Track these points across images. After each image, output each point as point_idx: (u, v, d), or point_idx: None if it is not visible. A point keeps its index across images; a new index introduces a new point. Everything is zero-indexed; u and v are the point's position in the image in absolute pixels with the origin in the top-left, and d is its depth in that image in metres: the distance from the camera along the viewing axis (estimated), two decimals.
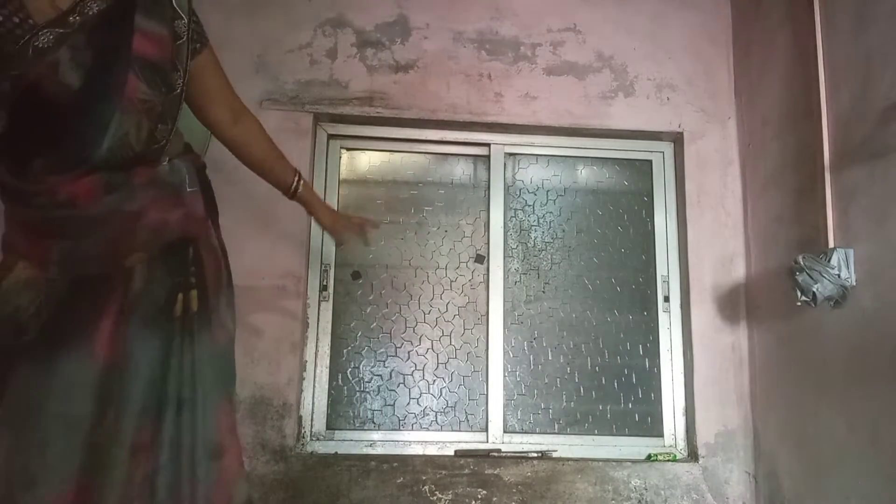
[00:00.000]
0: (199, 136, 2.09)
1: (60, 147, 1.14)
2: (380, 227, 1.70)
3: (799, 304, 1.71)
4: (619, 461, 2.16)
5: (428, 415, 2.25)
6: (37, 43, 1.10)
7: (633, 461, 2.17)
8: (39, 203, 1.15)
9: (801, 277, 1.67)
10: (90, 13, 1.14)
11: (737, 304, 2.28)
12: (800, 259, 1.68)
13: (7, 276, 1.18)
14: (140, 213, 1.22)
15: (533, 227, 2.41)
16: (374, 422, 2.23)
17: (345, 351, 2.26)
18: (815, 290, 1.64)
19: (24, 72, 1.09)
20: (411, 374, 2.27)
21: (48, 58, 1.11)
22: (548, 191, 2.44)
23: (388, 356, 2.27)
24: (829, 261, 1.65)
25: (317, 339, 2.23)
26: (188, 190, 1.31)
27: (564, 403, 2.30)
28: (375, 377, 2.26)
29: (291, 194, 1.56)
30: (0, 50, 1.08)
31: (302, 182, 1.56)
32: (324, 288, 2.25)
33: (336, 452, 2.13)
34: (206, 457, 1.24)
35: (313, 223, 2.25)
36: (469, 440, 2.22)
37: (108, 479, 1.14)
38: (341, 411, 2.23)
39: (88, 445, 1.13)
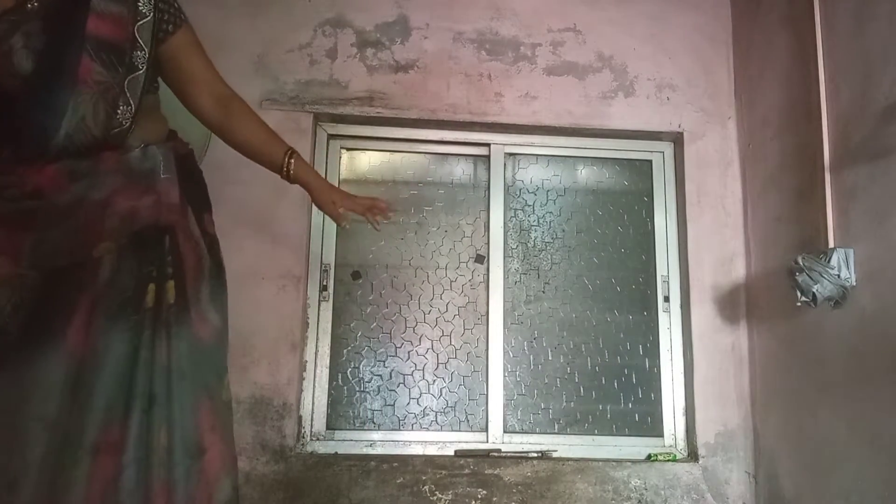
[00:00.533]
0: (198, 136, 2.09)
1: (21, 136, 1.12)
2: (390, 215, 1.59)
3: (799, 304, 1.71)
4: (619, 461, 2.16)
5: (428, 415, 2.25)
6: None
7: (633, 461, 2.17)
8: (9, 195, 1.12)
9: (801, 278, 1.67)
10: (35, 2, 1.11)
11: (737, 304, 2.28)
12: (799, 259, 1.68)
13: None
14: (107, 200, 1.18)
15: (533, 227, 2.41)
16: (374, 422, 2.23)
17: (345, 351, 2.26)
18: (815, 290, 1.64)
19: None
20: (411, 374, 2.27)
21: (2, 47, 1.09)
22: (548, 191, 2.44)
23: (388, 356, 2.27)
24: (828, 261, 1.65)
25: (317, 339, 2.23)
26: (162, 177, 1.25)
27: (564, 403, 2.30)
28: (375, 377, 2.26)
29: (286, 175, 1.43)
30: None
31: (294, 160, 1.43)
32: (324, 288, 2.25)
33: (336, 452, 2.13)
34: (184, 456, 1.18)
35: (313, 224, 2.26)
36: (469, 440, 2.22)
37: (69, 480, 1.09)
38: (341, 411, 2.23)
39: (58, 443, 1.09)
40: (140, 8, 1.21)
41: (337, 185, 2.34)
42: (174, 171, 1.26)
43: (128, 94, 1.19)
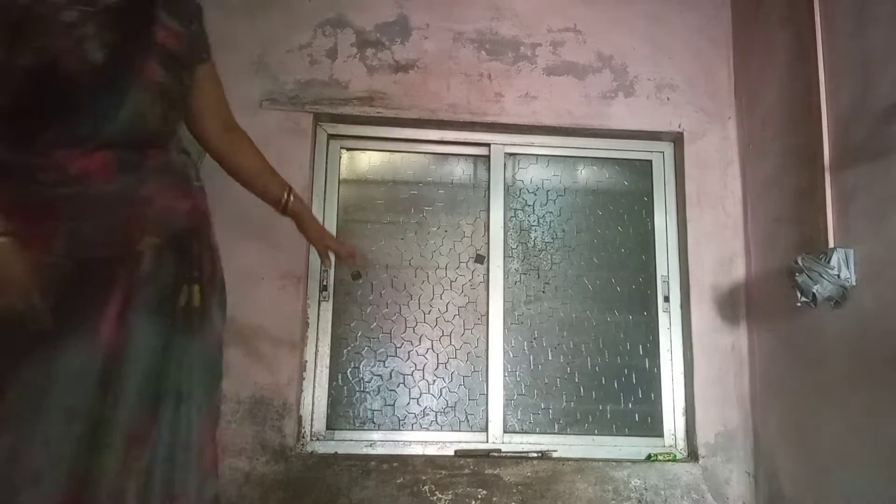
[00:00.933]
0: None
1: (74, 119, 1.14)
2: (367, 269, 1.68)
3: (799, 304, 1.71)
4: (619, 461, 2.16)
5: (428, 415, 2.25)
6: (62, 17, 1.14)
7: (633, 461, 2.17)
8: (47, 178, 1.13)
9: (800, 278, 1.67)
10: (107, 2, 1.18)
11: (737, 304, 2.28)
12: (799, 260, 1.68)
13: None
14: (152, 197, 1.23)
15: (533, 227, 2.41)
16: (374, 422, 2.23)
17: (345, 351, 2.26)
18: (814, 290, 1.64)
19: (47, 44, 1.12)
20: (411, 374, 2.27)
21: (74, 32, 1.14)
22: (548, 191, 2.44)
23: (388, 356, 2.27)
24: (828, 261, 1.65)
25: (317, 339, 2.23)
26: (195, 184, 1.34)
27: (564, 403, 2.30)
28: (375, 377, 2.26)
29: (282, 209, 1.53)
30: (21, 24, 1.11)
31: (293, 197, 1.53)
32: (324, 288, 2.25)
33: (336, 452, 2.13)
34: (188, 451, 1.23)
35: None
36: (469, 440, 2.22)
37: (100, 470, 1.12)
38: (341, 411, 2.23)
39: (88, 435, 1.12)
40: (193, 30, 1.33)
41: (337, 186, 2.35)
42: (201, 180, 1.36)
43: (179, 102, 1.30)
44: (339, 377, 2.24)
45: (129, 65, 1.19)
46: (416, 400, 2.26)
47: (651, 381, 2.33)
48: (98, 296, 1.16)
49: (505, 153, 2.41)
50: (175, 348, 1.22)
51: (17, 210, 1.12)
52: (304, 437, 2.15)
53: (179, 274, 1.26)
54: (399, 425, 2.23)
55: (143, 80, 1.19)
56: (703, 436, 2.21)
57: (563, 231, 2.41)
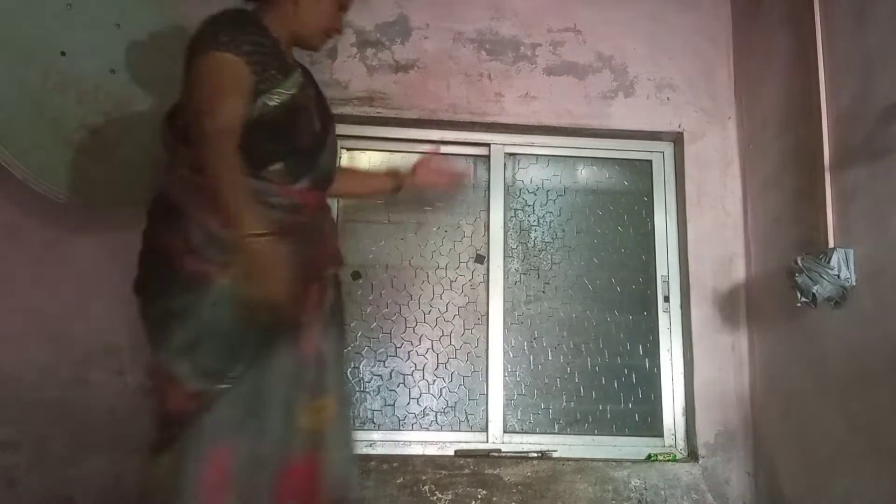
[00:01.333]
0: None
1: (302, 166, 1.46)
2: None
3: (799, 304, 1.71)
4: (619, 461, 2.16)
5: (428, 415, 2.25)
6: (296, 77, 1.48)
7: (633, 461, 2.17)
8: (277, 202, 1.40)
9: (800, 278, 1.67)
10: (300, 72, 1.53)
11: (737, 304, 2.28)
12: (799, 260, 1.68)
13: (228, 273, 1.32)
14: (328, 232, 1.57)
15: (533, 227, 2.41)
16: (374, 422, 2.23)
17: (345, 351, 2.26)
18: (814, 290, 1.64)
19: (294, 94, 1.44)
20: (411, 374, 2.27)
21: (307, 91, 1.51)
22: (548, 191, 2.44)
23: (388, 356, 2.27)
24: (828, 261, 1.65)
25: None
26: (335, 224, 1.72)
27: (564, 403, 2.30)
28: (375, 377, 2.26)
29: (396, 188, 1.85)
30: (269, 74, 1.40)
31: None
32: None
33: None
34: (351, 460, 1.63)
35: None
36: (469, 440, 2.22)
37: (327, 454, 1.44)
38: None
39: (298, 427, 1.39)
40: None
41: None
42: None
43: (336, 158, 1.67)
44: None
45: (327, 129, 1.56)
46: (416, 400, 2.26)
47: (651, 381, 2.33)
48: (300, 308, 1.42)
49: (505, 153, 2.41)
50: (340, 361, 1.59)
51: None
52: None
53: (339, 301, 1.58)
54: (399, 425, 2.23)
55: (332, 139, 1.58)
56: (703, 436, 2.21)
57: (563, 231, 2.41)
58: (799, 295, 1.68)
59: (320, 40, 1.61)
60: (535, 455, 2.17)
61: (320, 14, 1.55)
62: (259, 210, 1.30)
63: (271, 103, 1.40)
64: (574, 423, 2.28)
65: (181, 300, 1.33)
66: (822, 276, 1.64)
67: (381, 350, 2.27)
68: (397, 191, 1.87)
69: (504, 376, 2.27)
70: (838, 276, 1.63)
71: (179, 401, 1.32)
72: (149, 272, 1.42)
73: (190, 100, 1.39)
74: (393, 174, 1.90)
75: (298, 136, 1.46)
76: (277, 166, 1.41)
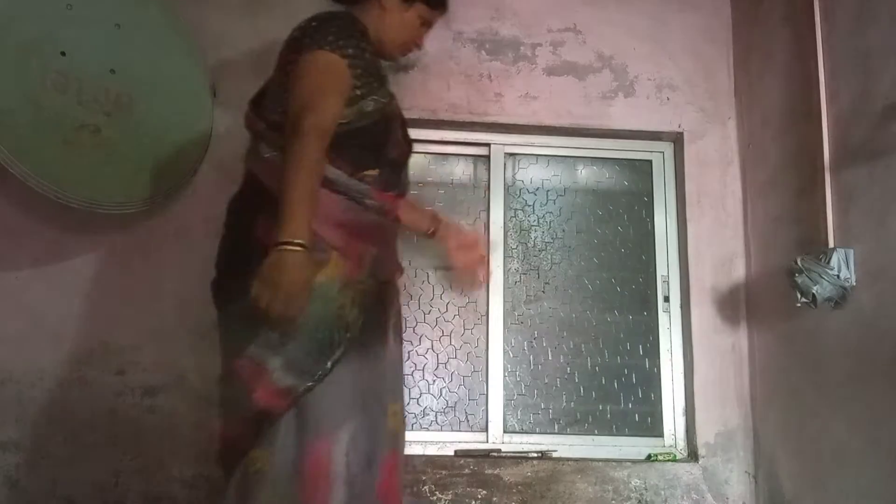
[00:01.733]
0: (199, 136, 2.09)
1: (390, 170, 1.50)
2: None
3: (799, 305, 1.71)
4: (619, 461, 2.16)
5: (428, 415, 2.25)
6: (388, 86, 1.53)
7: (633, 461, 2.17)
8: (371, 205, 1.43)
9: (800, 279, 1.67)
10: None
11: (737, 304, 2.28)
12: (799, 260, 1.68)
13: (323, 272, 1.34)
14: (397, 240, 1.63)
15: (533, 227, 2.41)
16: None
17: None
18: (814, 291, 1.64)
19: (387, 102, 1.49)
20: (411, 374, 2.26)
21: (394, 101, 1.55)
22: (548, 191, 2.44)
23: None
24: (828, 261, 1.65)
25: None
26: None
27: (564, 403, 2.29)
28: None
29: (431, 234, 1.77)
30: (368, 78, 1.44)
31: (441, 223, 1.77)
32: None
33: None
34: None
35: None
36: (469, 440, 2.22)
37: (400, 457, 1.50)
38: None
39: (388, 427, 1.43)
40: None
41: None
42: None
43: None
44: None
45: (411, 144, 1.63)
46: (415, 400, 2.26)
47: (651, 381, 2.33)
48: (385, 314, 1.49)
49: (505, 153, 2.41)
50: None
51: (351, 227, 1.41)
52: None
53: (398, 305, 1.61)
54: None
55: (411, 149, 1.64)
56: (703, 436, 2.21)
57: (563, 231, 2.41)
58: (799, 295, 1.68)
59: (399, 52, 1.65)
60: (535, 455, 2.16)
61: (405, 25, 1.59)
62: (313, 226, 1.27)
63: (368, 109, 1.42)
64: (574, 424, 2.28)
65: None
66: (821, 277, 1.63)
67: None
68: (430, 236, 1.79)
69: (504, 376, 2.27)
70: (838, 277, 1.63)
71: (269, 396, 1.31)
72: (237, 264, 1.39)
73: (287, 92, 1.39)
74: (434, 219, 1.80)
75: (390, 146, 1.50)
76: (373, 172, 1.44)
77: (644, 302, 2.38)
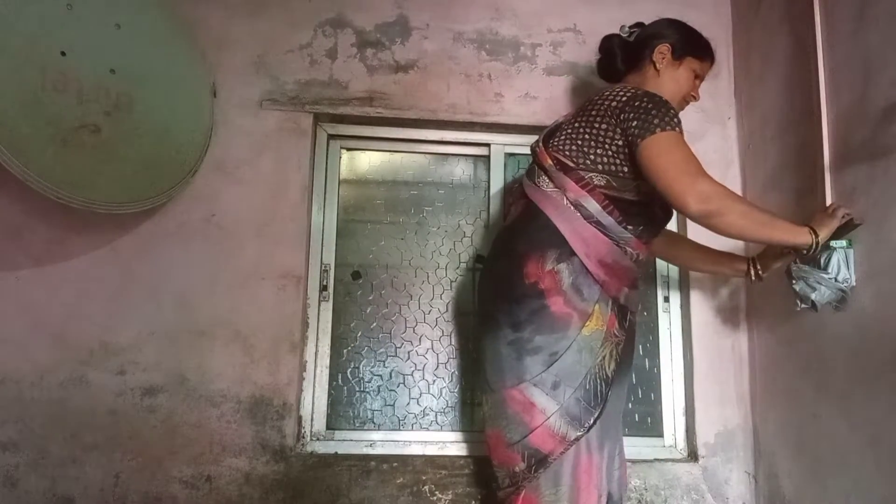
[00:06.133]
0: (198, 135, 2.09)
1: (651, 228, 1.67)
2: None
3: (799, 310, 1.70)
4: None
5: (428, 415, 2.25)
6: None
7: (633, 461, 2.17)
8: (631, 252, 1.61)
9: (798, 286, 1.66)
10: None
11: (737, 304, 2.28)
12: (792, 269, 1.67)
13: (587, 325, 1.51)
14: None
15: None
16: (374, 422, 2.23)
17: (345, 351, 2.26)
18: (813, 297, 1.63)
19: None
20: (411, 374, 2.27)
21: None
22: None
23: (388, 356, 2.27)
24: (826, 265, 1.64)
25: (317, 339, 2.23)
26: None
27: None
28: (375, 377, 2.26)
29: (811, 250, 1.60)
30: None
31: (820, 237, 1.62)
32: (324, 288, 2.25)
33: (336, 452, 2.13)
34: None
35: (313, 224, 2.26)
36: (469, 440, 2.22)
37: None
38: (341, 411, 2.23)
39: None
40: None
41: (337, 186, 2.34)
42: None
43: None
44: (339, 377, 2.25)
45: (669, 209, 1.66)
46: (416, 400, 2.26)
47: (651, 381, 2.33)
48: (632, 341, 1.67)
49: (505, 153, 2.41)
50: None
51: (612, 267, 1.56)
52: (304, 438, 2.15)
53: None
54: (399, 425, 2.23)
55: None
56: (703, 436, 2.21)
57: None
58: (799, 302, 1.68)
59: (679, 107, 1.70)
60: None
61: (679, 82, 1.72)
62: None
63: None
64: None
65: (546, 338, 1.50)
66: (819, 283, 1.63)
67: (381, 350, 2.27)
68: (757, 276, 1.91)
69: None
70: (836, 279, 1.62)
71: (545, 438, 1.51)
72: (506, 293, 1.57)
73: (584, 142, 1.58)
74: (738, 259, 1.97)
75: (656, 215, 1.65)
76: (638, 230, 1.60)
77: (644, 302, 2.38)
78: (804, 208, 1.92)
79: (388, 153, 2.41)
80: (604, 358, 1.53)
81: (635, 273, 1.64)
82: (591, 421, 1.50)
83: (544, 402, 1.49)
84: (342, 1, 2.32)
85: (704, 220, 1.47)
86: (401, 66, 2.31)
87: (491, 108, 2.32)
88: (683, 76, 1.72)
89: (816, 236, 1.54)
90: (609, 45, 1.83)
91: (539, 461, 1.50)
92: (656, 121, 1.46)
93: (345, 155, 2.39)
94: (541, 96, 2.34)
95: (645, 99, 1.51)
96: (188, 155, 2.03)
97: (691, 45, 1.75)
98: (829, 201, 1.78)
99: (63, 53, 1.72)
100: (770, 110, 2.16)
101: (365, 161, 2.41)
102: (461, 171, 2.43)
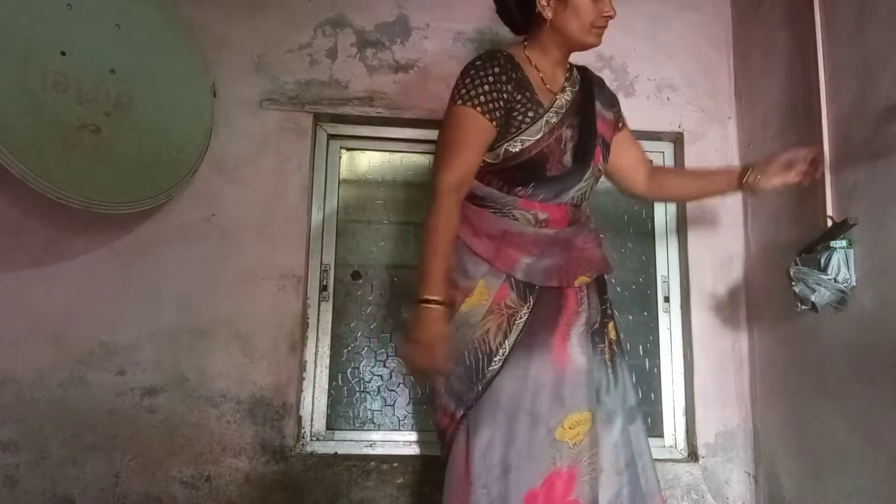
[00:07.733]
0: (198, 135, 2.09)
1: (551, 187, 1.50)
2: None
3: (799, 311, 1.71)
4: None
5: (428, 415, 2.25)
6: (548, 119, 1.49)
7: None
8: (521, 215, 1.49)
9: (797, 288, 1.66)
10: (567, 99, 1.56)
11: (737, 304, 2.28)
12: (792, 271, 1.67)
13: (467, 301, 1.44)
14: (584, 244, 1.54)
15: None
16: (374, 422, 2.23)
17: (345, 351, 2.26)
18: (813, 299, 1.63)
19: (539, 139, 1.47)
20: (411, 375, 2.26)
21: (556, 132, 1.50)
22: None
23: (388, 356, 2.27)
24: (826, 266, 1.63)
25: (317, 339, 2.23)
26: (601, 236, 1.64)
27: None
28: (375, 377, 2.26)
29: (748, 186, 1.67)
30: (516, 119, 1.46)
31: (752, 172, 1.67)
32: (324, 288, 2.25)
33: (336, 453, 2.13)
34: (650, 467, 1.59)
35: (313, 224, 2.26)
36: None
37: (594, 466, 1.43)
38: (341, 411, 2.23)
39: (552, 438, 1.39)
40: (615, 112, 1.70)
41: (337, 186, 2.34)
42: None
43: (600, 178, 1.64)
44: (339, 377, 2.24)
45: (585, 160, 1.53)
46: (416, 400, 2.25)
47: (651, 381, 2.33)
48: (551, 319, 1.45)
49: None
50: (619, 373, 1.55)
51: (502, 238, 1.47)
52: (303, 438, 2.15)
53: (603, 312, 1.56)
54: (399, 425, 2.23)
55: (592, 168, 1.55)
56: (703, 436, 2.21)
57: None
58: (799, 304, 1.68)
59: (593, 36, 1.58)
60: None
61: (578, 14, 1.53)
62: (451, 279, 1.43)
63: (514, 149, 1.47)
64: None
65: (451, 324, 1.44)
66: (819, 284, 1.63)
67: (381, 350, 2.27)
68: (745, 188, 1.71)
69: None
70: (835, 280, 1.62)
71: (440, 418, 1.49)
72: None
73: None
74: (730, 172, 1.77)
75: (547, 171, 1.50)
76: (528, 190, 1.50)
77: (644, 302, 2.38)
78: (804, 208, 1.93)
79: (387, 153, 2.40)
80: (486, 331, 1.42)
81: (539, 238, 1.49)
82: (476, 394, 1.40)
83: (440, 384, 1.49)
84: (342, 1, 2.32)
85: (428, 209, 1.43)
86: (401, 66, 2.31)
87: None
88: (580, 5, 1.51)
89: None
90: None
91: (445, 440, 1.48)
92: (455, 92, 1.47)
93: (344, 155, 2.39)
94: None
95: (464, 68, 1.50)
96: (188, 155, 2.03)
97: None
98: (829, 201, 1.78)
99: (63, 53, 1.72)
100: (770, 110, 2.16)
101: (365, 161, 2.41)
102: None
